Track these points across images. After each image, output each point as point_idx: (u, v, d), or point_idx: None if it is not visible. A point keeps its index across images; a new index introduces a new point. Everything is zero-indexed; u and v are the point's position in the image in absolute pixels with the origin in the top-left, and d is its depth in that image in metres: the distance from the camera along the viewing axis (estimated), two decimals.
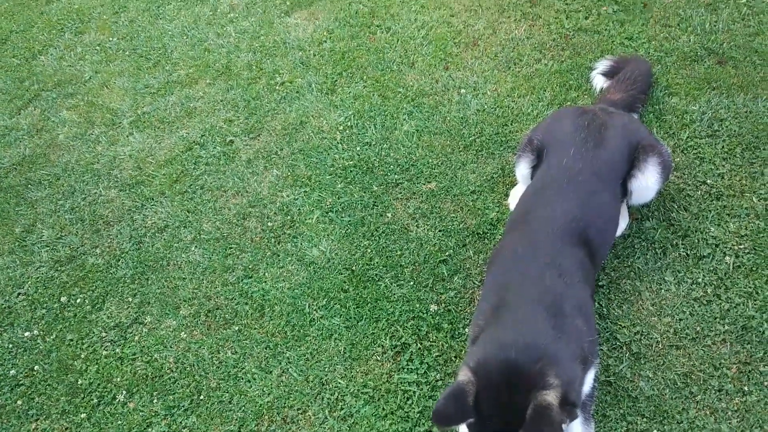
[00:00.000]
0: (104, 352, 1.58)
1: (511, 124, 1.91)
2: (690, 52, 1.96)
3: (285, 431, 1.37)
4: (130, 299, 1.70)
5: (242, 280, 1.68)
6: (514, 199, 1.69)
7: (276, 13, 2.54)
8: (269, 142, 2.05)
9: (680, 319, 1.41)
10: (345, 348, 1.49)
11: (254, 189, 1.92)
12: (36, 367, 1.58)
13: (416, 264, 1.62)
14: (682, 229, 1.56)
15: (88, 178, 2.07)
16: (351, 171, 1.90)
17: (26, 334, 1.66)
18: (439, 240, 1.66)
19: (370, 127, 2.01)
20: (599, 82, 1.89)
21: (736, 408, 1.27)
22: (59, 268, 1.81)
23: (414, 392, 1.39)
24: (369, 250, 1.68)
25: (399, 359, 1.45)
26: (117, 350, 1.58)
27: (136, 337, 1.61)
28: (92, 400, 1.49)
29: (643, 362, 1.35)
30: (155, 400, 1.46)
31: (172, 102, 2.26)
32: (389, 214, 1.76)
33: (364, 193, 1.82)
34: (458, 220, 1.70)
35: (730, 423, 1.25)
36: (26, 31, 2.77)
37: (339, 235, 1.73)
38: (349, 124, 2.04)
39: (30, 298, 1.74)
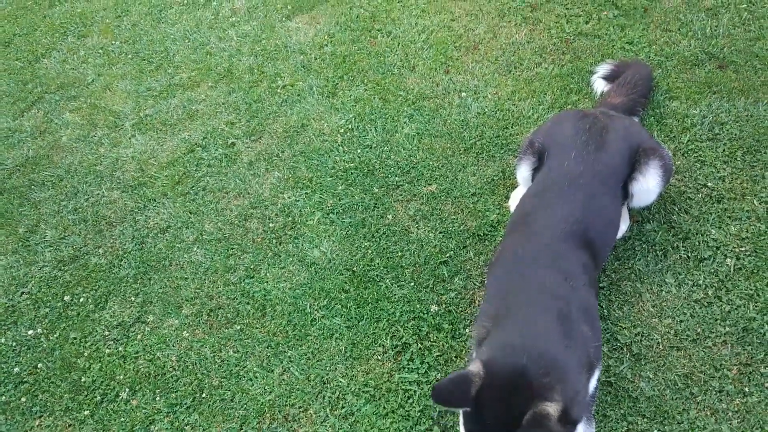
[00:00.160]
0: (107, 351, 1.65)
1: (512, 127, 1.99)
2: (691, 57, 2.04)
3: (286, 429, 1.44)
4: (133, 298, 1.77)
5: (244, 280, 1.75)
6: (514, 201, 1.76)
7: (277, 17, 2.65)
8: (270, 145, 2.14)
9: (681, 321, 1.47)
10: (346, 347, 1.56)
11: (256, 191, 2.00)
12: (39, 365, 1.65)
13: (417, 265, 1.69)
14: (683, 231, 1.62)
15: (90, 180, 2.16)
16: (352, 173, 1.98)
17: (30, 332, 1.73)
18: (440, 242, 1.73)
19: (370, 130, 2.09)
20: (600, 86, 1.97)
21: (736, 409, 1.32)
22: (62, 267, 1.89)
23: (415, 391, 1.45)
24: (370, 251, 1.75)
25: (400, 359, 1.51)
26: (120, 348, 1.65)
27: (139, 336, 1.68)
28: (95, 397, 1.55)
29: (643, 363, 1.41)
30: (158, 398, 1.53)
31: (174, 105, 2.36)
32: (390, 216, 1.83)
33: (365, 195, 1.90)
34: (459, 222, 1.77)
35: (730, 424, 1.30)
36: (29, 34, 2.89)
37: (340, 236, 1.80)
38: (350, 126, 2.13)
39: (33, 297, 1.82)
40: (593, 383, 1.22)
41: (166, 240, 1.91)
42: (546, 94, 2.05)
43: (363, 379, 1.49)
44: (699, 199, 1.68)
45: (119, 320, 1.72)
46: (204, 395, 1.52)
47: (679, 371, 1.39)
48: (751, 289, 1.49)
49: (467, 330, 1.54)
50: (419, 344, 1.53)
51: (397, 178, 1.93)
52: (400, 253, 1.72)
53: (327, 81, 2.31)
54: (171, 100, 2.38)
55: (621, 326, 1.48)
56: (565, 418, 0.98)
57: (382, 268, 1.69)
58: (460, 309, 1.58)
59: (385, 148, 2.03)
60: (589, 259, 1.33)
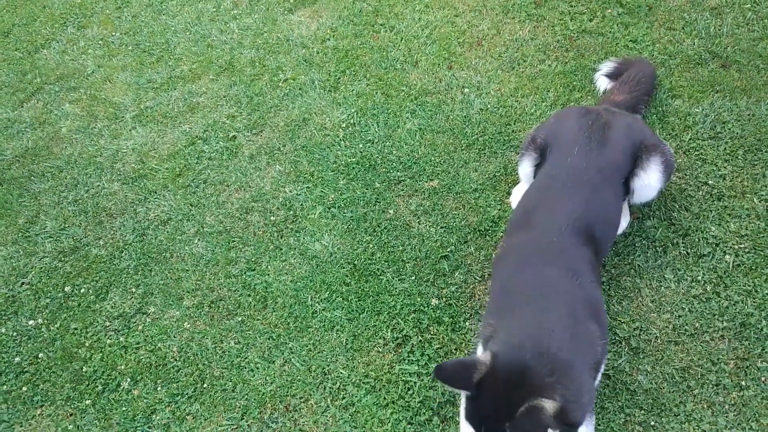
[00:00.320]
0: (108, 341, 1.70)
1: (514, 124, 2.04)
2: (694, 56, 2.09)
3: (287, 419, 1.48)
4: (134, 290, 1.82)
5: (245, 273, 1.80)
6: (516, 197, 1.81)
7: (279, 10, 2.69)
8: (272, 138, 2.18)
9: (679, 316, 1.52)
10: (347, 339, 1.61)
11: (257, 184, 2.04)
12: (40, 355, 1.70)
13: (418, 259, 1.74)
14: (683, 228, 1.67)
15: (91, 171, 2.21)
16: (353, 168, 2.02)
17: (30, 322, 1.77)
18: (441, 236, 1.78)
19: (372, 125, 2.14)
20: (603, 83, 2.01)
21: (733, 402, 1.37)
22: (63, 258, 1.93)
23: (415, 383, 1.50)
24: (371, 246, 1.80)
25: (400, 351, 1.56)
26: (121, 339, 1.69)
27: (140, 327, 1.72)
28: (97, 387, 1.60)
29: (641, 357, 1.46)
30: (159, 388, 1.57)
31: (175, 97, 2.40)
32: (391, 211, 1.88)
33: (367, 189, 1.95)
34: (460, 217, 1.82)
35: (726, 416, 1.35)
36: (29, 24, 2.93)
37: (341, 230, 1.85)
38: (351, 121, 2.18)
39: (34, 287, 1.87)
40: (597, 379, 1.27)
41: (167, 232, 1.96)
42: (549, 91, 2.10)
43: (364, 370, 1.54)
44: (699, 197, 1.74)
45: (120, 311, 1.76)
46: (205, 385, 1.57)
47: (677, 365, 1.44)
48: (749, 286, 1.54)
49: (467, 323, 1.59)
50: (420, 337, 1.58)
51: (398, 173, 1.98)
52: (401, 248, 1.77)
53: (329, 75, 2.35)
54: (172, 93, 2.42)
55: (620, 320, 1.53)
56: (563, 418, 1.02)
57: (383, 262, 1.74)
58: (461, 303, 1.63)
59: (387, 143, 2.08)
60: (592, 255, 1.37)
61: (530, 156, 1.61)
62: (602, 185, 1.45)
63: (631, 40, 2.21)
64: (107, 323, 1.74)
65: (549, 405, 1.02)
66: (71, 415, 1.55)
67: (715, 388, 1.40)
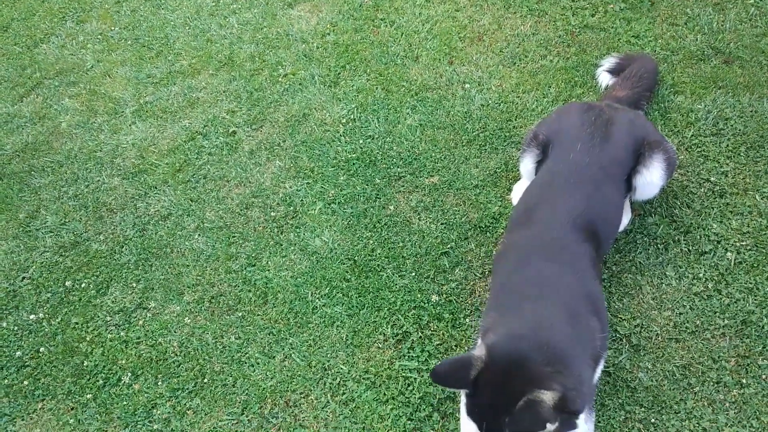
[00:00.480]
0: (109, 336, 1.69)
1: (516, 120, 2.02)
2: (696, 51, 2.06)
3: (288, 414, 1.47)
4: (134, 285, 1.80)
5: (245, 268, 1.79)
6: (517, 193, 1.79)
7: (279, 5, 2.66)
8: (272, 134, 2.16)
9: (680, 313, 1.51)
10: (347, 335, 1.59)
11: (257, 180, 2.02)
12: (42, 349, 1.69)
13: (418, 256, 1.72)
14: (685, 225, 1.65)
15: (91, 166, 2.18)
16: (354, 163, 2.00)
17: (31, 317, 1.76)
18: (441, 233, 1.76)
19: (373, 121, 2.12)
20: (605, 79, 1.99)
21: (733, 400, 1.36)
22: (63, 253, 1.92)
23: (415, 379, 1.49)
24: (371, 242, 1.78)
25: (400, 347, 1.55)
26: (122, 334, 1.68)
27: (141, 322, 1.71)
28: (98, 381, 1.59)
29: (642, 354, 1.45)
30: (160, 383, 1.57)
31: (175, 92, 2.38)
32: (392, 207, 1.86)
33: (367, 185, 1.93)
34: (460, 213, 1.80)
35: (727, 414, 1.34)
36: (27, 18, 2.89)
37: (341, 226, 1.83)
38: (352, 117, 2.15)
39: (35, 282, 1.85)
40: (597, 373, 1.25)
41: (167, 227, 1.94)
42: (551, 86, 2.07)
43: (364, 366, 1.53)
44: (701, 194, 1.72)
45: (121, 306, 1.75)
46: (206, 380, 1.56)
47: (678, 362, 1.43)
48: (750, 283, 1.52)
49: (468, 320, 1.57)
50: (420, 333, 1.56)
51: (399, 169, 1.96)
52: (401, 244, 1.76)
53: (329, 70, 2.32)
54: (171, 88, 2.39)
55: (621, 317, 1.52)
56: (562, 408, 1.00)
57: (383, 258, 1.73)
58: (461, 299, 1.61)
59: (388, 138, 2.05)
60: (594, 251, 1.36)
61: (532, 152, 1.59)
62: (604, 182, 1.43)
63: (633, 36, 2.18)
64: (108, 318, 1.73)
65: (548, 396, 1.00)
66: (72, 409, 1.55)
67: (715, 385, 1.38)
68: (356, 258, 1.74)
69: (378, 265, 1.72)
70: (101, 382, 1.59)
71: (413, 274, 1.68)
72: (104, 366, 1.62)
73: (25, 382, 1.62)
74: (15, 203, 2.11)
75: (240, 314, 1.68)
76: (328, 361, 1.55)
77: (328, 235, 1.81)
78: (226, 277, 1.77)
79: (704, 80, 1.97)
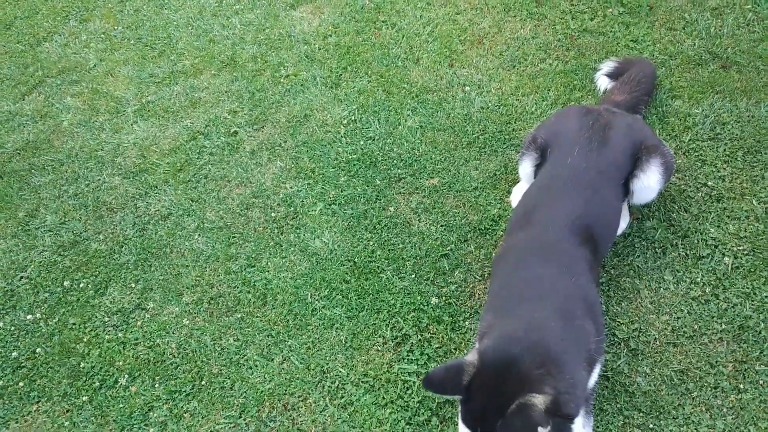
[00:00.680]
0: (107, 337, 1.61)
1: (515, 122, 1.95)
2: (694, 56, 2.00)
3: (286, 418, 1.41)
4: (133, 285, 1.73)
5: (245, 269, 1.71)
6: (516, 196, 1.73)
7: (281, 6, 2.58)
8: (273, 134, 2.09)
9: (678, 318, 1.45)
10: (346, 338, 1.53)
11: (258, 180, 1.95)
12: (38, 350, 1.61)
13: (418, 258, 1.66)
14: (682, 229, 1.60)
15: (91, 165, 2.10)
16: (354, 165, 1.93)
17: (29, 317, 1.69)
18: (441, 235, 1.70)
19: (374, 122, 2.05)
20: (603, 83, 1.93)
21: (731, 405, 1.31)
22: (62, 252, 1.84)
23: (414, 382, 1.42)
24: (371, 243, 1.71)
25: (399, 350, 1.49)
26: (119, 335, 1.61)
27: (139, 323, 1.64)
28: (94, 383, 1.52)
29: (640, 358, 1.39)
30: (157, 385, 1.50)
31: (177, 92, 2.30)
32: (392, 208, 1.79)
33: (367, 186, 1.86)
34: (460, 215, 1.74)
35: (725, 419, 1.29)
36: (31, 17, 2.80)
37: (341, 227, 1.76)
38: (353, 118, 2.08)
39: (33, 281, 1.77)
40: (594, 378, 1.20)
41: (168, 227, 1.86)
42: (550, 90, 2.01)
43: (363, 369, 1.46)
44: (699, 198, 1.66)
45: (119, 306, 1.68)
46: (204, 383, 1.49)
47: (676, 367, 1.37)
48: (747, 288, 1.47)
49: (467, 323, 1.51)
50: (419, 336, 1.50)
51: (399, 170, 1.89)
52: (401, 246, 1.69)
53: (330, 72, 2.25)
54: (173, 87, 2.31)
55: (619, 322, 1.46)
56: (555, 411, 0.95)
57: (383, 260, 1.66)
58: (461, 302, 1.55)
59: (388, 140, 1.98)
60: (591, 255, 1.31)
61: (531, 156, 1.54)
62: (602, 186, 1.38)
63: (631, 40, 2.12)
64: (106, 318, 1.66)
65: (539, 400, 0.95)
66: (68, 411, 1.47)
67: (713, 390, 1.33)
68: (356, 259, 1.68)
69: (378, 266, 1.65)
70: (98, 383, 1.52)
71: (413, 276, 1.62)
72: (101, 367, 1.55)
73: (21, 384, 1.54)
74: (15, 201, 2.02)
75: (239, 316, 1.62)
76: (327, 363, 1.49)
77: (329, 236, 1.75)
78: (225, 278, 1.70)
79: (702, 85, 1.91)
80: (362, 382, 1.44)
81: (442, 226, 1.72)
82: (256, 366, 1.51)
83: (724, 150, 1.75)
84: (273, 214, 1.85)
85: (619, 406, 1.33)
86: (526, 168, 1.56)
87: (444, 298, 1.56)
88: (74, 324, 1.66)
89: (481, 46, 2.21)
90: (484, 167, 1.85)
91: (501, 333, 1.11)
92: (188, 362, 1.53)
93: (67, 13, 2.78)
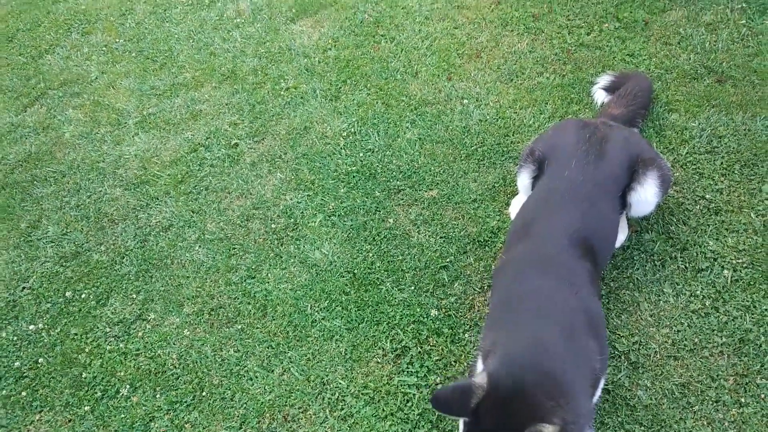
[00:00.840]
0: (108, 347, 1.68)
1: (513, 135, 2.04)
2: (690, 70, 2.10)
3: (286, 429, 1.46)
4: (134, 296, 1.80)
5: (245, 280, 1.78)
6: (514, 208, 1.80)
7: (282, 20, 2.70)
8: (273, 146, 2.18)
9: (678, 331, 1.51)
10: (346, 349, 1.59)
11: (258, 191, 2.04)
12: (40, 360, 1.67)
13: (417, 269, 1.73)
14: (681, 242, 1.66)
15: (93, 176, 2.19)
16: (354, 176, 2.02)
17: (31, 327, 1.75)
18: (440, 246, 1.77)
19: (373, 134, 2.14)
20: (600, 96, 2.02)
21: (732, 419, 1.36)
22: (64, 263, 1.92)
23: (414, 395, 1.48)
24: (371, 255, 1.79)
25: (399, 362, 1.54)
26: (121, 345, 1.67)
27: (140, 333, 1.70)
28: (96, 393, 1.58)
29: (641, 372, 1.45)
30: (158, 395, 1.55)
31: (178, 104, 2.40)
32: (391, 220, 1.87)
33: (367, 198, 1.94)
34: (459, 227, 1.81)
35: None
36: (33, 30, 2.93)
37: (341, 238, 1.84)
38: (352, 130, 2.18)
39: (35, 292, 1.85)
40: (597, 394, 1.25)
41: (168, 238, 1.94)
42: (547, 103, 2.11)
43: (363, 381, 1.52)
44: (697, 211, 1.73)
45: (120, 317, 1.74)
46: (204, 394, 1.55)
47: (677, 380, 1.42)
48: (747, 301, 1.53)
49: (467, 335, 1.57)
50: (419, 348, 1.56)
51: (398, 182, 1.97)
52: (400, 257, 1.76)
53: (330, 84, 2.35)
54: (174, 100, 2.42)
55: (619, 335, 1.52)
56: None
57: (382, 272, 1.73)
58: (460, 314, 1.61)
59: (387, 152, 2.07)
60: (592, 268, 1.36)
61: (528, 168, 1.60)
62: (600, 198, 1.44)
63: (628, 54, 2.23)
64: (107, 329, 1.72)
65: (549, 430, 0.99)
66: (70, 421, 1.53)
67: (714, 404, 1.38)
68: (356, 271, 1.75)
69: (377, 278, 1.72)
70: (99, 393, 1.58)
71: (412, 287, 1.68)
72: (103, 378, 1.61)
73: (23, 393, 1.60)
74: (17, 213, 2.11)
75: (239, 327, 1.68)
76: (327, 375, 1.54)
77: (328, 248, 1.82)
78: (225, 289, 1.77)
79: (698, 99, 2.01)
80: (362, 394, 1.50)
81: (441, 237, 1.79)
82: (257, 377, 1.56)
83: (721, 163, 1.83)
84: (273, 226, 1.92)
85: (620, 419, 1.38)
86: (524, 180, 1.63)
87: (443, 310, 1.63)
88: (76, 334, 1.72)
89: (479, 59, 2.32)
90: (483, 179, 1.93)
91: (509, 356, 1.15)
92: (189, 373, 1.59)
93: (69, 25, 2.91)
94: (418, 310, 1.63)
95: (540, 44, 2.34)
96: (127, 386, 1.58)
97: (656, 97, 2.02)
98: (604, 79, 2.03)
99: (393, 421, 1.44)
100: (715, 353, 1.46)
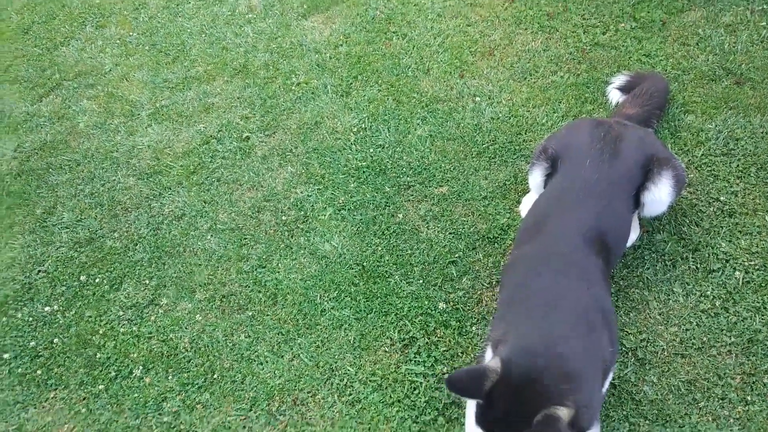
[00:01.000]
0: (121, 330, 1.83)
1: (525, 134, 2.17)
2: (708, 71, 2.21)
3: (295, 412, 1.59)
4: (147, 281, 1.95)
5: (256, 269, 1.93)
6: (525, 206, 1.92)
7: (293, 15, 2.88)
8: (284, 140, 2.33)
9: (687, 329, 1.61)
10: (354, 338, 1.72)
11: (269, 184, 2.19)
12: (55, 340, 1.83)
13: (426, 264, 1.85)
14: (693, 243, 1.77)
15: (107, 166, 2.37)
16: (364, 172, 2.16)
17: (46, 308, 1.91)
18: (449, 242, 1.89)
19: (383, 130, 2.28)
20: (615, 96, 2.13)
21: (738, 416, 1.46)
22: (78, 249, 2.08)
23: (421, 383, 1.60)
24: (380, 248, 1.92)
25: (407, 352, 1.67)
26: (134, 328, 1.82)
27: (153, 318, 1.85)
28: (110, 373, 1.72)
29: (647, 368, 1.55)
30: (170, 377, 1.69)
31: (190, 97, 2.58)
32: (400, 215, 2.00)
33: (377, 193, 2.08)
34: (469, 224, 1.94)
35: (731, 430, 1.44)
36: (48, 22, 3.15)
37: (351, 232, 1.97)
38: (363, 126, 2.32)
39: (50, 275, 2.01)
40: (605, 386, 1.34)
41: (181, 227, 2.10)
42: (561, 102, 2.23)
43: (370, 368, 1.65)
44: (710, 213, 1.84)
45: (133, 301, 1.90)
46: (215, 376, 1.69)
47: (683, 377, 1.53)
48: (758, 302, 1.63)
49: (474, 328, 1.69)
50: (426, 339, 1.68)
51: (408, 178, 2.11)
52: (409, 251, 1.89)
53: (341, 80, 2.51)
54: (187, 93, 2.59)
55: (627, 332, 1.63)
56: (574, 424, 1.08)
57: (391, 265, 1.86)
58: (468, 308, 1.73)
59: (398, 148, 2.21)
60: (604, 266, 1.45)
61: (541, 166, 1.70)
62: (614, 197, 1.53)
63: (644, 54, 2.35)
64: (120, 313, 1.87)
65: (564, 413, 1.08)
66: (84, 399, 1.67)
67: (720, 401, 1.48)
68: (365, 263, 1.88)
69: (386, 271, 1.85)
70: (113, 374, 1.72)
71: (421, 281, 1.81)
72: (116, 359, 1.76)
73: (39, 372, 1.75)
74: (33, 199, 2.29)
75: (250, 313, 1.82)
76: (336, 362, 1.67)
77: (338, 241, 1.96)
78: (237, 278, 1.92)
79: (715, 100, 2.11)
80: (370, 380, 1.62)
81: (450, 233, 1.92)
82: (267, 362, 1.70)
83: (737, 165, 1.94)
84: (283, 218, 2.07)
85: (625, 413, 1.49)
86: (536, 178, 1.72)
87: (451, 303, 1.75)
88: (90, 317, 1.88)
89: (491, 57, 2.47)
90: (494, 177, 2.05)
91: (522, 343, 1.24)
92: (200, 356, 1.73)
93: (83, 19, 3.12)
94: (426, 302, 1.75)
95: (554, 43, 2.47)
96: (140, 367, 1.72)
97: (672, 97, 2.13)
98: (620, 79, 2.13)
99: (400, 407, 1.56)
100: (723, 352, 1.56)
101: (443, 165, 2.12)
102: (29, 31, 3.11)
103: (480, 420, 1.18)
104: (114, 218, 2.17)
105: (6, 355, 1.78)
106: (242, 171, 2.25)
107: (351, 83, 2.49)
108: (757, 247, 1.74)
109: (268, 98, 2.49)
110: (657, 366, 1.55)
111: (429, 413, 1.54)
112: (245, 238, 2.03)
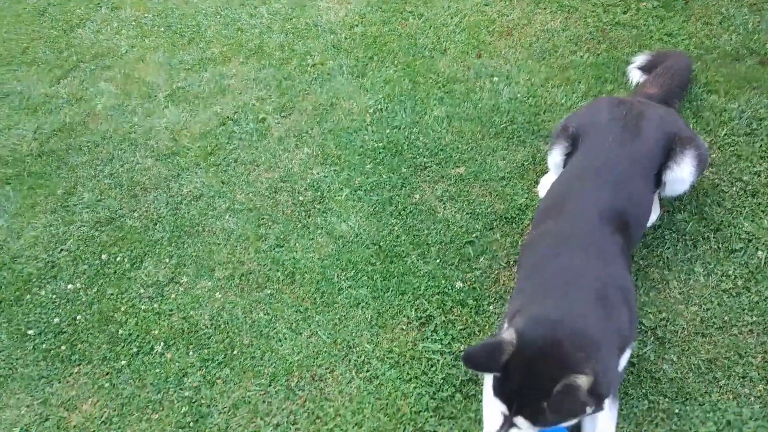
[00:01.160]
0: (143, 307, 1.81)
1: (544, 114, 2.09)
2: (731, 51, 2.11)
3: (313, 387, 1.57)
4: (167, 260, 1.93)
5: (274, 249, 1.90)
6: (544, 187, 1.86)
7: None
8: (300, 121, 2.27)
9: (707, 309, 1.56)
10: (372, 316, 1.69)
11: (285, 165, 2.14)
12: (78, 317, 1.82)
13: (443, 243, 1.81)
14: (715, 222, 1.70)
15: (125, 147, 2.33)
16: (380, 152, 2.10)
17: (69, 286, 1.90)
18: (467, 222, 1.84)
19: (399, 111, 2.21)
20: (635, 76, 2.05)
21: (758, 394, 1.41)
22: (99, 228, 2.06)
23: (438, 360, 1.57)
24: (396, 228, 1.87)
25: (424, 330, 1.64)
26: (155, 306, 1.81)
27: (173, 295, 1.83)
28: (132, 349, 1.71)
29: (667, 347, 1.50)
30: (191, 353, 1.68)
31: (206, 78, 2.52)
32: (417, 196, 1.95)
33: (393, 174, 2.02)
34: (486, 204, 1.88)
35: (752, 408, 1.39)
36: (63, 4, 3.08)
37: (367, 212, 1.93)
38: (379, 107, 2.25)
39: (72, 254, 1.99)
40: (623, 363, 1.31)
41: (199, 207, 2.07)
42: (580, 82, 2.14)
43: (388, 346, 1.62)
44: (733, 193, 1.76)
45: (154, 279, 1.88)
46: (235, 352, 1.67)
47: (703, 356, 1.48)
48: None
49: (491, 307, 1.65)
50: (443, 317, 1.65)
51: (425, 159, 2.05)
52: (426, 231, 1.84)
53: (357, 61, 2.43)
54: (203, 74, 2.54)
55: (647, 311, 1.57)
56: (593, 391, 1.06)
57: (408, 245, 1.82)
58: (485, 287, 1.69)
59: (414, 129, 2.15)
60: (624, 243, 1.41)
61: (561, 145, 1.65)
62: (635, 176, 1.48)
63: (666, 34, 2.24)
64: (141, 290, 1.85)
65: (583, 380, 1.06)
66: (107, 374, 1.67)
67: (741, 380, 1.43)
68: (381, 243, 1.83)
69: (403, 251, 1.81)
70: (135, 349, 1.71)
71: (437, 261, 1.76)
72: (138, 335, 1.74)
73: (62, 347, 1.75)
74: (53, 180, 2.26)
75: (269, 292, 1.79)
76: (353, 339, 1.64)
77: (354, 221, 1.91)
78: (255, 257, 1.88)
79: (739, 80, 2.02)
80: (387, 357, 1.60)
81: (467, 213, 1.87)
82: (285, 339, 1.68)
83: (761, 146, 1.85)
84: (300, 198, 2.03)
85: (644, 390, 1.45)
86: (556, 157, 1.67)
87: (468, 283, 1.70)
88: (112, 294, 1.86)
89: (509, 37, 2.37)
90: (512, 157, 1.99)
91: (538, 314, 1.21)
92: (220, 333, 1.72)
93: (99, 0, 3.05)
94: (443, 282, 1.71)
95: (573, 22, 2.37)
96: (162, 343, 1.71)
97: (695, 77, 2.04)
98: (641, 59, 2.05)
99: (417, 383, 1.53)
100: (744, 331, 1.50)
101: (460, 146, 2.05)
102: (45, 13, 3.04)
103: (498, 392, 1.15)
104: (133, 198, 2.14)
105: (30, 332, 1.78)
106: (259, 152, 2.20)
107: (367, 64, 2.41)
108: None
109: (284, 79, 2.43)
110: (677, 345, 1.50)
111: (446, 389, 1.51)
112: (263, 218, 1.99)
